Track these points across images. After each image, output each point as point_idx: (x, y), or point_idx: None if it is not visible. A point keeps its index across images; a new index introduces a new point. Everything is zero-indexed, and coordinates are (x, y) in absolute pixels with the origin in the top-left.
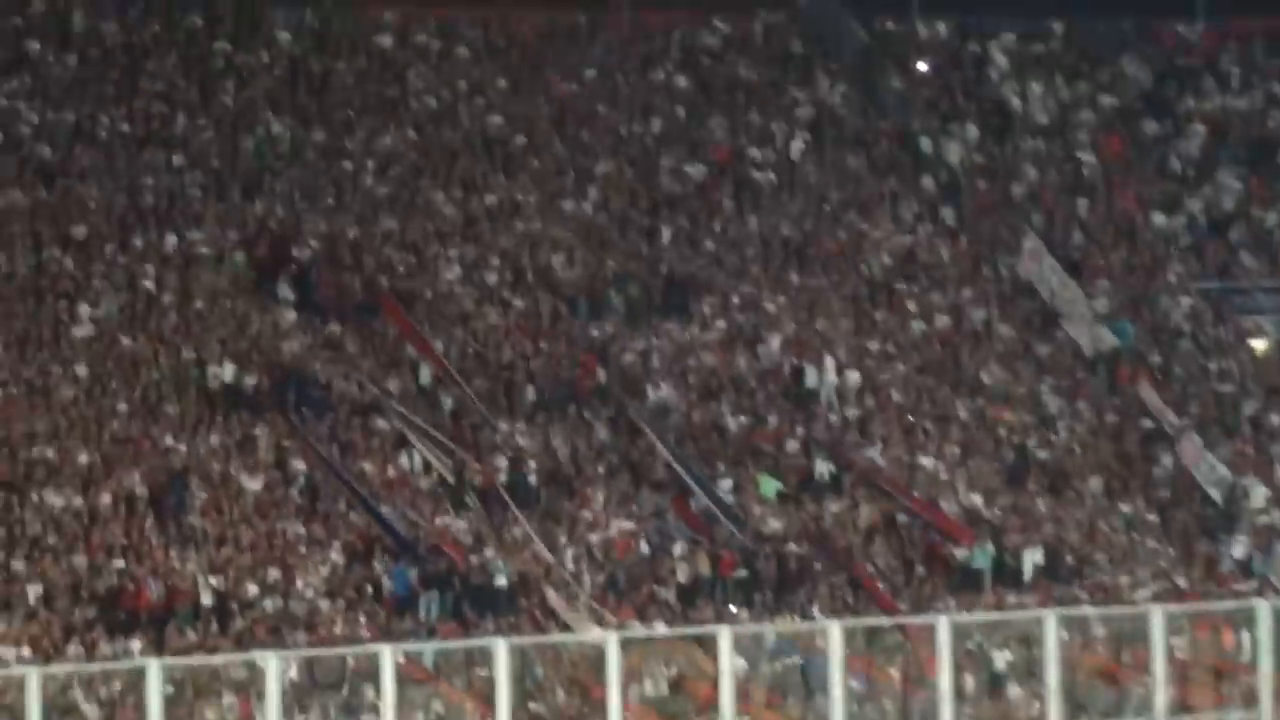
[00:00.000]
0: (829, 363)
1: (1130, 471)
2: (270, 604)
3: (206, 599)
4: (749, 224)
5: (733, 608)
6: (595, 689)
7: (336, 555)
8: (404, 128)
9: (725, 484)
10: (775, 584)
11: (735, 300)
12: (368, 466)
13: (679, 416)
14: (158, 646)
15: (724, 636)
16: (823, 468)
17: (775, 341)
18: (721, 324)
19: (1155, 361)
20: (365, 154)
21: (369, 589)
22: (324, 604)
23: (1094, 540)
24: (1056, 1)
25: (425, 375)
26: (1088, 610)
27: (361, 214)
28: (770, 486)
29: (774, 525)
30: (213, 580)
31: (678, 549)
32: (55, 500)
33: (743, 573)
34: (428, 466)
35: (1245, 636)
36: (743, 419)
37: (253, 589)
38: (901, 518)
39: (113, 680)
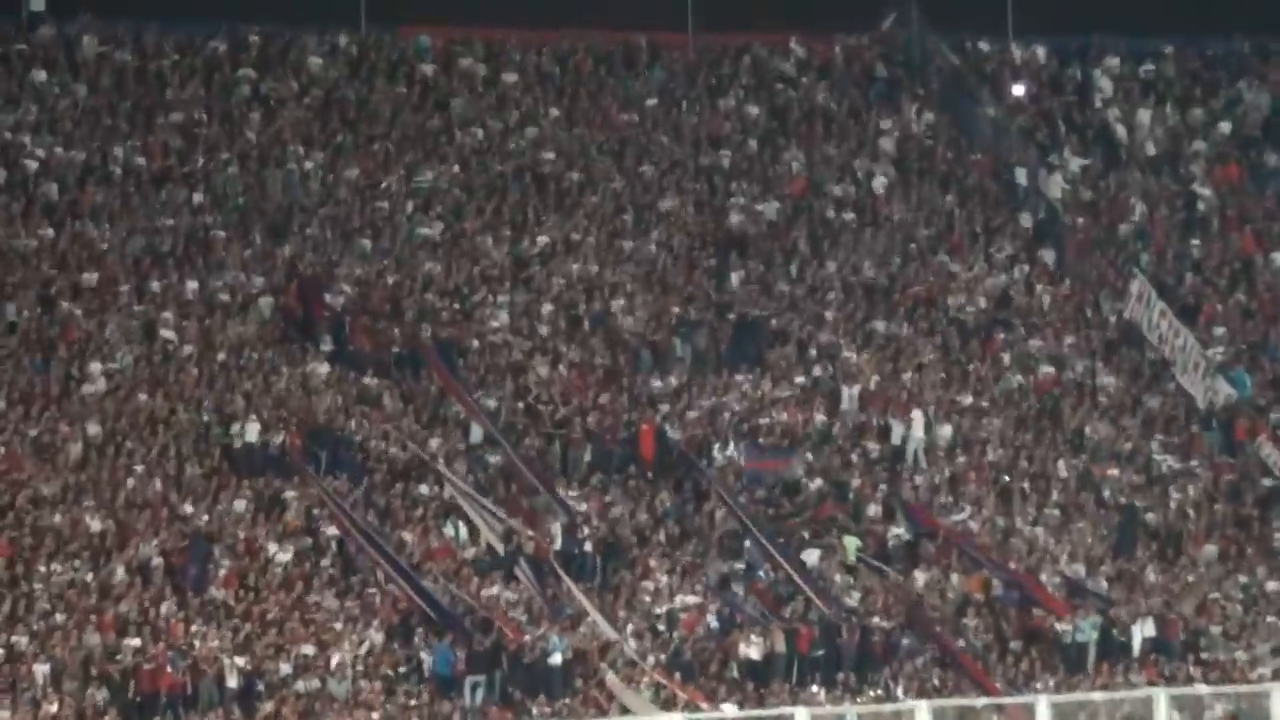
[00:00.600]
0: (916, 418)
1: (1248, 536)
2: (302, 685)
3: (232, 680)
4: (827, 266)
5: (814, 688)
6: None
7: (374, 631)
8: (447, 162)
9: (805, 554)
10: (857, 661)
11: (812, 350)
12: (407, 535)
13: (750, 479)
14: None
15: (801, 718)
16: (910, 533)
17: (856, 395)
18: (798, 376)
19: (1276, 416)
20: (404, 192)
21: (409, 669)
22: (360, 685)
23: (1209, 612)
24: (1166, 21)
25: (473, 434)
26: (1202, 689)
27: (401, 257)
28: (852, 545)
29: (857, 597)
30: (238, 660)
31: (749, 623)
32: (64, 572)
33: (821, 649)
34: (474, 534)
35: None
36: (820, 481)
37: (282, 668)
38: (997, 588)
39: None
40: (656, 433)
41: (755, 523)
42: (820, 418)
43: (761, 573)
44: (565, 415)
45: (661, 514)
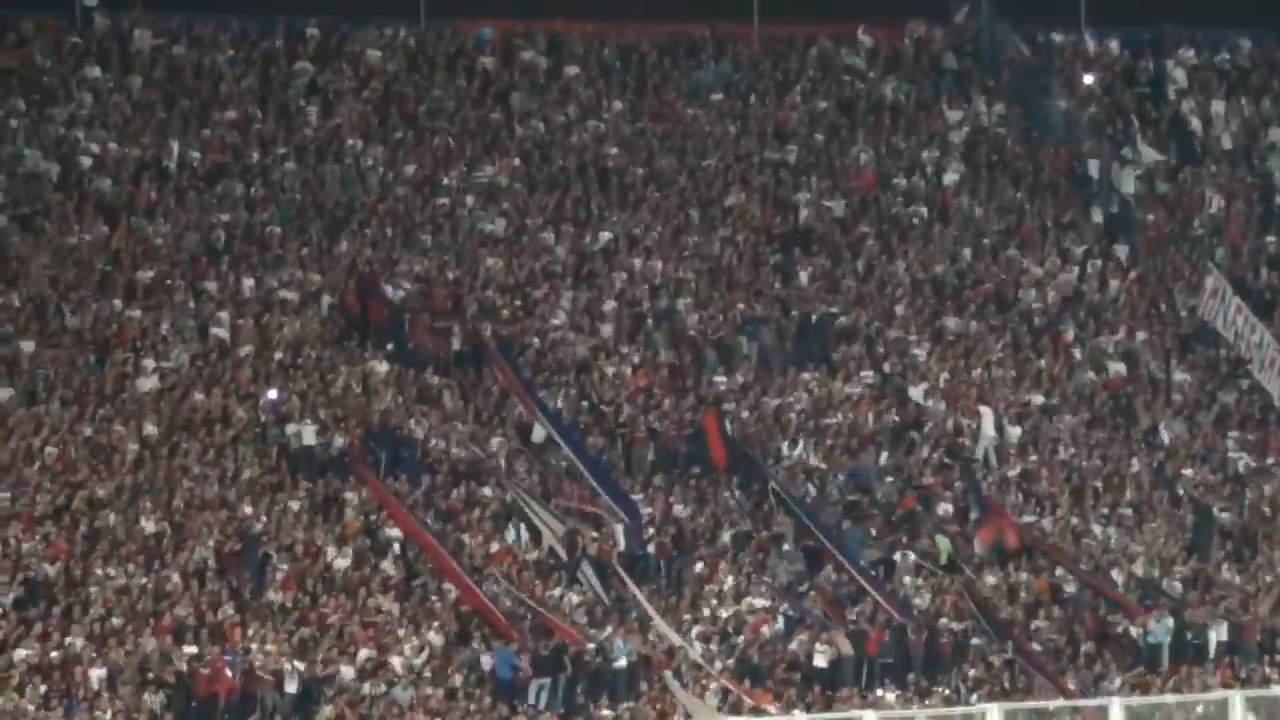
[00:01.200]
0: (986, 416)
1: None
2: (360, 690)
3: (290, 685)
4: (896, 262)
5: (880, 691)
6: None
7: (434, 636)
8: (508, 156)
9: (872, 554)
10: (927, 663)
11: (881, 347)
12: (468, 537)
13: (818, 478)
14: None
15: None
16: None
17: (925, 393)
18: (866, 374)
19: None
20: (465, 187)
21: (471, 674)
22: (421, 690)
23: None
24: (1242, 11)
25: (535, 434)
26: (1278, 691)
27: (461, 253)
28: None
29: (926, 598)
30: (296, 664)
31: (817, 626)
32: (119, 574)
33: (890, 652)
34: (536, 538)
35: None
36: (889, 480)
37: (341, 673)
38: (1069, 589)
39: None
40: (721, 432)
41: (825, 522)
42: (891, 418)
43: (824, 575)
44: (629, 414)
45: (726, 513)
